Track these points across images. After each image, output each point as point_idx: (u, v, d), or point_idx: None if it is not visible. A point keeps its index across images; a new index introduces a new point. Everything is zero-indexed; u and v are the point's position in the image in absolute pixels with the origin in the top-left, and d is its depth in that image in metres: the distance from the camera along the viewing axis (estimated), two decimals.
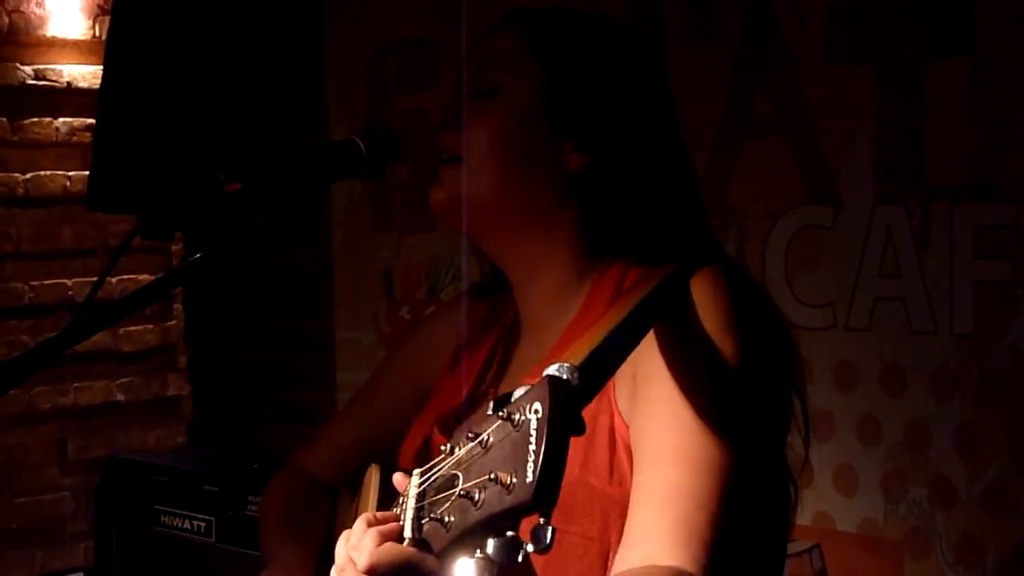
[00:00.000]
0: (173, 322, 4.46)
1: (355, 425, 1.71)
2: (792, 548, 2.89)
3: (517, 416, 0.99)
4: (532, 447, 0.96)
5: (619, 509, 1.29)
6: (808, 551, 2.88)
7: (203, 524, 3.70)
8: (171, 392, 4.47)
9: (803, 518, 2.86)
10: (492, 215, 1.44)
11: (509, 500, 0.96)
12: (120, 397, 4.33)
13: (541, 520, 0.96)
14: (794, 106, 2.86)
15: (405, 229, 3.76)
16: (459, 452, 1.08)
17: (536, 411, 0.97)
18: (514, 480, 0.96)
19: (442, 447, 1.12)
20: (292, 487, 1.68)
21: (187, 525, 3.75)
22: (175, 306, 4.46)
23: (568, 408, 0.98)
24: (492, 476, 0.99)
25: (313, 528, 1.47)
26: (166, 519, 3.81)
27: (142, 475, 3.91)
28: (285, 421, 4.21)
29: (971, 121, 2.60)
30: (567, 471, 1.32)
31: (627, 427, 1.32)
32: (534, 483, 0.94)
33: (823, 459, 2.83)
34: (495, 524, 0.98)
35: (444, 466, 1.11)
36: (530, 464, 0.95)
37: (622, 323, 1.20)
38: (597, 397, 1.32)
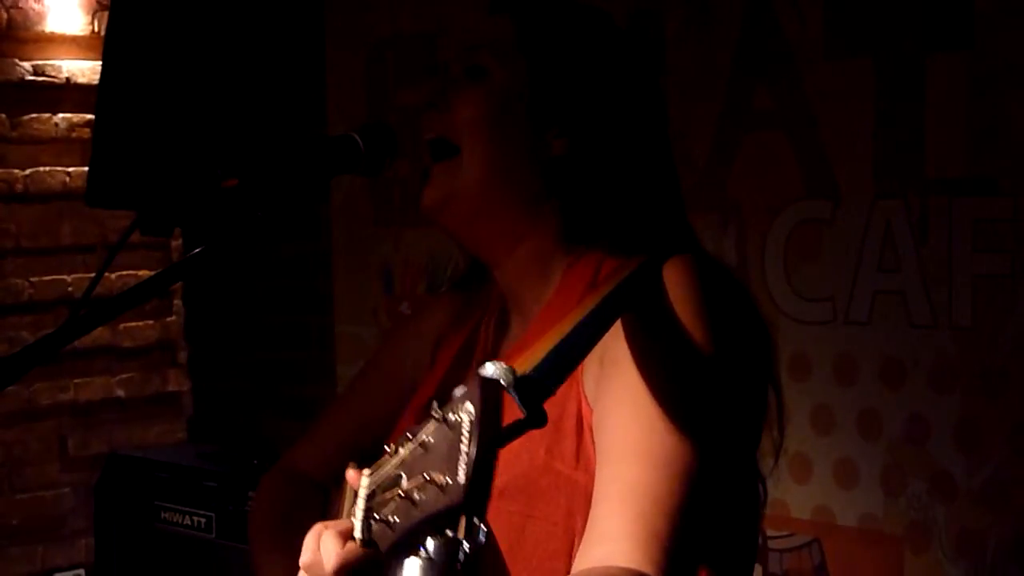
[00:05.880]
0: (173, 318, 4.46)
1: (344, 422, 1.71)
2: (792, 542, 2.90)
3: (452, 417, 1.01)
4: (464, 448, 0.97)
5: (585, 495, 1.30)
6: (808, 545, 2.88)
7: (203, 520, 3.71)
8: (171, 388, 4.47)
9: (803, 512, 2.86)
10: (482, 205, 1.46)
11: (443, 501, 0.99)
12: (120, 393, 4.33)
13: (475, 520, 0.99)
14: (793, 100, 2.86)
15: (405, 224, 3.76)
16: (402, 452, 1.10)
17: (468, 411, 0.99)
18: (448, 481, 0.98)
19: (386, 447, 1.15)
20: (281, 488, 1.68)
21: (187, 521, 3.75)
22: (175, 302, 4.46)
23: (498, 409, 1.00)
24: (428, 477, 1.01)
25: (300, 530, 1.48)
26: (166, 515, 3.81)
27: (142, 471, 3.91)
28: (285, 417, 4.21)
29: (970, 115, 2.60)
30: (533, 456, 1.33)
31: (592, 410, 1.33)
32: (465, 485, 0.96)
33: (823, 453, 2.83)
34: (434, 524, 1.00)
35: (389, 466, 1.13)
36: (462, 466, 0.97)
37: (589, 315, 1.21)
38: (566, 383, 1.33)
